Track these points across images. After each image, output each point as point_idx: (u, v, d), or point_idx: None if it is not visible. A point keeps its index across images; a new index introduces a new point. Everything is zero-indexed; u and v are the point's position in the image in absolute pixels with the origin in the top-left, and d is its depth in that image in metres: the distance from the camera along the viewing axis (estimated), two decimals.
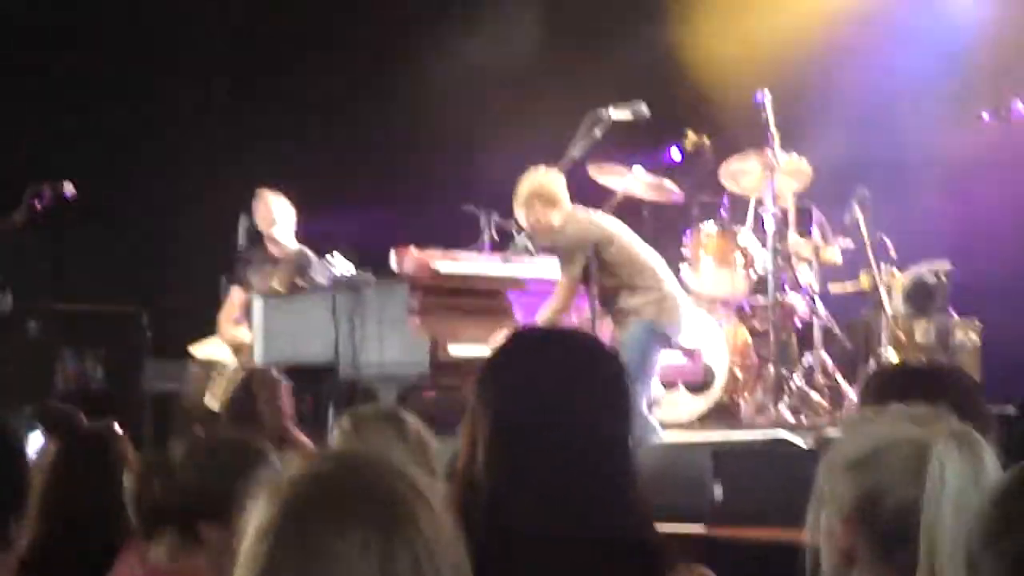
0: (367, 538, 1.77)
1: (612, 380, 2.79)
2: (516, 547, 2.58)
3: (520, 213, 8.48)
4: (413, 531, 1.79)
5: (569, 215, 8.38)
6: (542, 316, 8.27)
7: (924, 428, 2.36)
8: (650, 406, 8.27)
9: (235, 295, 9.89)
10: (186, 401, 9.76)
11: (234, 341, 9.68)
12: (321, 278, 9.21)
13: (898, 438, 2.37)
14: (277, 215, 9.88)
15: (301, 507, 1.81)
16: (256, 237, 10.20)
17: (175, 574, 3.52)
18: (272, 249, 9.91)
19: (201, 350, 9.89)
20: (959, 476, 2.20)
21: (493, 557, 2.58)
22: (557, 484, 2.62)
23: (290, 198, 10.05)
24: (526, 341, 2.94)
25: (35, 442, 4.36)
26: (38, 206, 9.23)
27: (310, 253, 9.69)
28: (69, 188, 9.37)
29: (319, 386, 8.86)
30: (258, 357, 9.01)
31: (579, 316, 8.42)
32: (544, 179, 8.44)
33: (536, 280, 8.69)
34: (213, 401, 9.53)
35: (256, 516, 1.83)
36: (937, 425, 2.35)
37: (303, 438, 7.61)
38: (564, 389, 2.70)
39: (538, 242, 8.69)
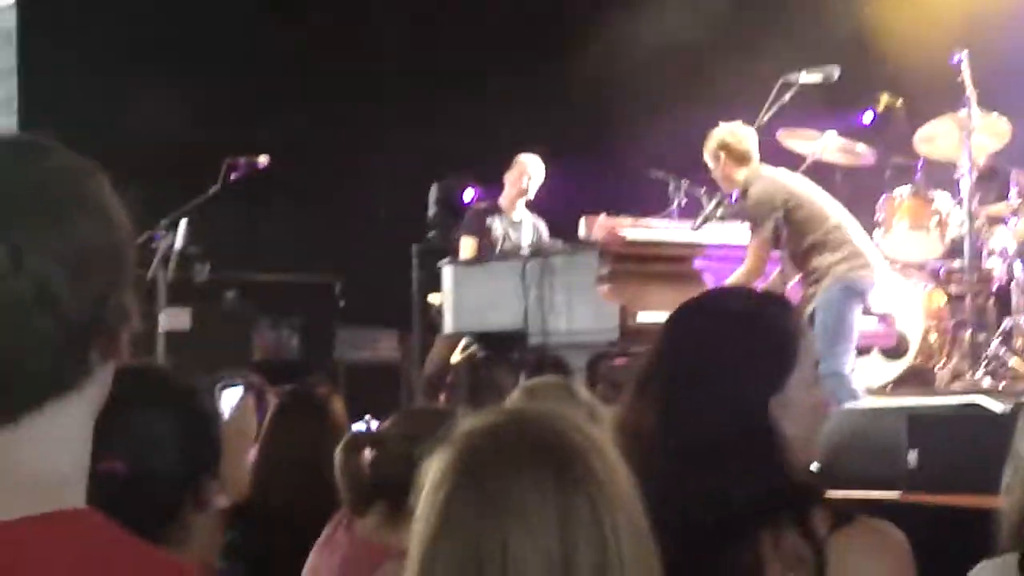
0: (543, 483, 1.77)
1: (777, 339, 2.77)
2: (668, 495, 2.58)
3: (709, 163, 8.46)
4: (588, 477, 1.78)
5: (754, 172, 8.31)
6: (733, 281, 8.22)
7: None
8: (852, 369, 8.13)
9: (467, 246, 9.97)
10: (428, 365, 9.82)
11: None
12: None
13: None
14: (527, 178, 10.02)
15: (477, 457, 1.81)
16: (448, 207, 10.29)
17: (384, 552, 3.50)
18: (509, 212, 10.04)
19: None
20: None
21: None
22: (706, 432, 2.62)
23: (475, 169, 10.13)
24: (701, 300, 2.98)
25: (231, 399, 4.43)
26: (234, 178, 9.40)
27: (540, 221, 9.81)
28: (263, 159, 9.53)
29: (509, 354, 8.91)
30: (448, 325, 9.08)
31: (767, 281, 8.34)
32: (733, 132, 8.40)
33: (725, 246, 8.63)
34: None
35: (432, 469, 1.84)
36: None
37: None
38: (730, 343, 2.71)
39: (725, 192, 8.56)
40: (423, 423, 3.66)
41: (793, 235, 8.20)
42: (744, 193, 8.29)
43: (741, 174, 8.28)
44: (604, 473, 1.81)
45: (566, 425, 1.85)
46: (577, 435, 1.84)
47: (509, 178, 10.16)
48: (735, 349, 2.72)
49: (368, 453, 3.74)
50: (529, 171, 10.11)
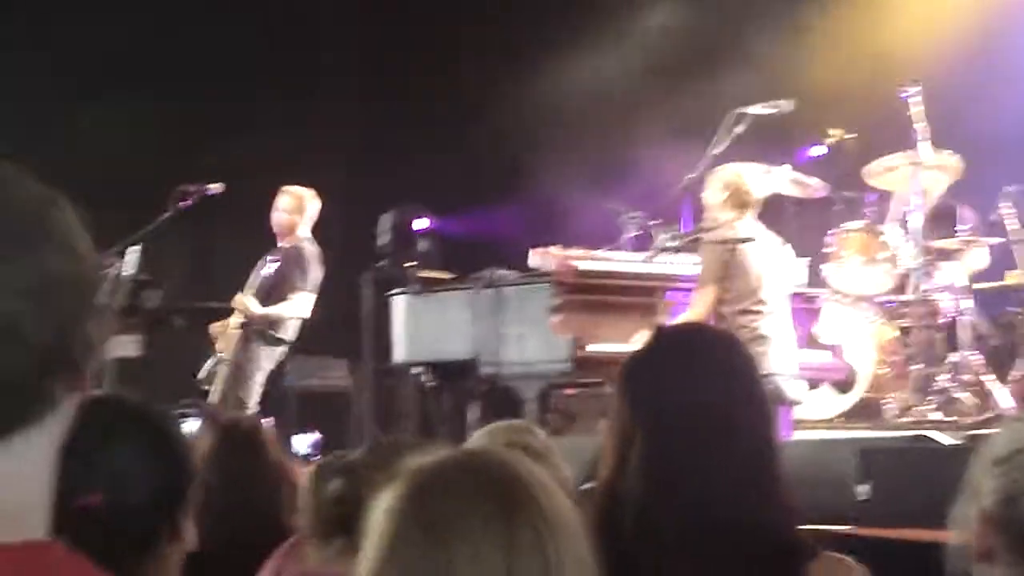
0: (488, 516, 1.81)
1: (754, 376, 2.78)
2: (664, 552, 2.57)
3: (707, 190, 8.30)
4: (534, 510, 1.83)
5: (728, 226, 8.18)
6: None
7: None
8: None
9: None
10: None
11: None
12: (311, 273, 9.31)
13: None
14: (305, 209, 9.93)
15: (426, 489, 1.85)
16: (401, 235, 10.27)
17: None
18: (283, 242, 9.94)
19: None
20: None
21: (640, 563, 2.58)
22: (707, 485, 2.61)
23: (434, 200, 10.10)
24: (669, 339, 2.91)
25: (186, 429, 4.40)
26: (185, 206, 9.36)
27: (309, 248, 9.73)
28: (215, 187, 9.51)
29: (460, 384, 8.90)
30: (399, 355, 9.07)
31: None
32: (743, 177, 8.29)
33: (679, 277, 8.64)
34: None
35: (380, 506, 1.87)
36: None
37: None
38: (712, 386, 2.69)
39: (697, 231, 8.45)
40: (394, 454, 3.63)
41: (724, 296, 8.04)
42: (706, 241, 8.15)
43: (725, 217, 8.17)
44: (549, 506, 1.85)
45: (512, 461, 1.90)
46: (522, 470, 1.88)
47: None
48: (738, 388, 2.72)
49: (336, 483, 3.71)
50: (277, 204, 9.99)
